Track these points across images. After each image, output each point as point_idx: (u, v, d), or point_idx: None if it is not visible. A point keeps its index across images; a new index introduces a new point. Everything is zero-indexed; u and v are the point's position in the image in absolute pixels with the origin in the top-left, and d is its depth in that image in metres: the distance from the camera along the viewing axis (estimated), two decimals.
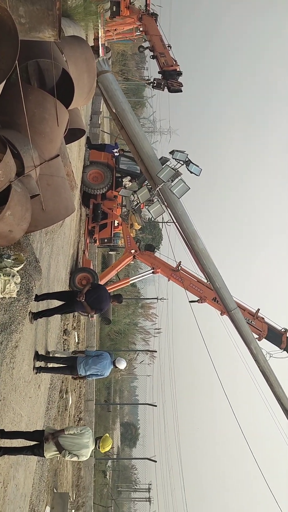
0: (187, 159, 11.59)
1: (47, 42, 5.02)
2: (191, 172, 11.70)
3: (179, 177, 11.21)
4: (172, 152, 11.78)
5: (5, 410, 5.78)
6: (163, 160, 11.97)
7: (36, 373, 7.43)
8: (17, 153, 4.72)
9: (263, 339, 13.27)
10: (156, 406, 25.53)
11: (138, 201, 14.59)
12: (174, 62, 15.45)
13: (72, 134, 7.09)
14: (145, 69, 43.59)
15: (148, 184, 12.61)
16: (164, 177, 11.10)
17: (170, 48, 16.10)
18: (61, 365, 8.01)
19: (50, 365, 8.12)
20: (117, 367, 7.96)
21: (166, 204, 11.63)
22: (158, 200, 11.96)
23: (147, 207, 13.09)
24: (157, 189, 11.43)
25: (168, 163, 11.60)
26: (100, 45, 13.62)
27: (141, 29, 17.47)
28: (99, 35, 13.69)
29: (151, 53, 16.37)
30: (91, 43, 13.77)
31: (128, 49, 31.35)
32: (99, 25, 13.51)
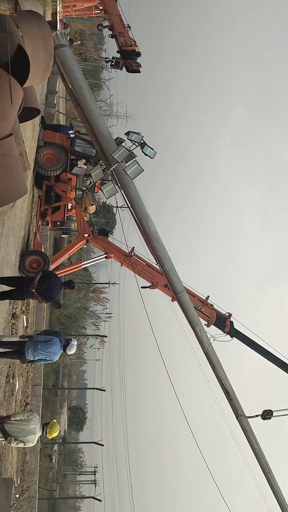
0: (142, 141, 11.64)
1: (2, 16, 4.78)
2: (146, 155, 11.78)
3: (134, 159, 11.23)
4: (127, 133, 11.77)
5: None
6: (118, 141, 11.92)
7: None
8: None
9: (212, 325, 13.75)
10: (104, 390, 25.68)
11: (92, 181, 14.48)
12: (133, 43, 15.30)
13: (27, 113, 6.84)
14: (104, 50, 42.69)
15: (103, 164, 12.51)
16: (119, 157, 11.10)
17: (130, 28, 15.90)
18: (9, 350, 7.86)
19: None
20: (66, 353, 7.91)
21: (119, 185, 11.62)
22: (111, 181, 11.92)
23: (101, 188, 13.02)
24: (111, 169, 11.38)
25: (123, 144, 11.56)
26: (58, 20, 13.18)
27: (100, 7, 17.07)
28: (58, 10, 13.23)
29: (110, 32, 16.08)
30: (48, 19, 13.28)
31: (87, 29, 30.54)
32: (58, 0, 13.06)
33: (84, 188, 17.40)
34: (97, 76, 44.12)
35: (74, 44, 14.83)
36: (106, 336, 31.19)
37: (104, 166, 12.53)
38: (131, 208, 11.78)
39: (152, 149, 11.93)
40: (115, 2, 16.63)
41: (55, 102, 22.20)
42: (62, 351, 7.77)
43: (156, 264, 12.72)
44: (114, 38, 15.82)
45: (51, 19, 13.27)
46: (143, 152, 11.80)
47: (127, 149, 11.32)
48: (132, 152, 11.42)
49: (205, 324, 13.26)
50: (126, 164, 11.19)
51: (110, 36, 16.21)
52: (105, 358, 36.98)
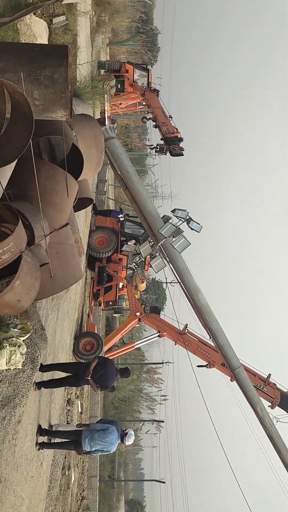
0: (187, 217, 12.01)
1: (59, 120, 5.27)
2: (192, 229, 12.08)
3: (181, 234, 11.52)
4: (173, 211, 12.23)
5: (5, 493, 5.39)
6: (165, 218, 12.35)
7: (39, 449, 7.04)
8: (28, 224, 4.79)
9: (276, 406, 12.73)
10: (164, 483, 23.67)
11: (141, 256, 14.86)
12: (176, 130, 16.25)
13: (81, 203, 7.25)
14: (147, 140, 45.96)
15: (151, 240, 12.87)
16: (166, 232, 11.48)
17: (171, 118, 17.00)
18: (65, 440, 7.59)
19: (54, 440, 7.70)
20: (124, 443, 7.51)
21: (168, 259, 11.80)
22: (159, 255, 12.15)
23: (150, 263, 13.27)
24: (159, 244, 11.67)
25: (170, 221, 11.95)
26: (106, 117, 14.46)
27: (144, 103, 18.58)
28: (106, 108, 14.57)
29: (154, 123, 17.28)
30: (97, 116, 14.59)
31: (131, 122, 33.17)
32: (105, 100, 14.41)
33: (134, 264, 17.79)
34: (143, 163, 47.09)
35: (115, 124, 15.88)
36: (163, 421, 29.58)
37: (152, 242, 12.90)
38: (180, 282, 11.80)
39: (198, 223, 12.24)
40: (156, 96, 18.08)
41: (105, 190, 23.64)
42: (120, 441, 7.41)
43: (209, 339, 12.31)
44: (157, 128, 16.94)
45: (100, 117, 14.57)
46: (189, 227, 12.14)
47: (174, 225, 11.70)
48: (179, 227, 11.78)
49: (269, 406, 12.33)
50: (173, 239, 11.51)
51: (154, 126, 17.40)
52: (162, 444, 34.81)
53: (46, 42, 8.99)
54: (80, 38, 12.81)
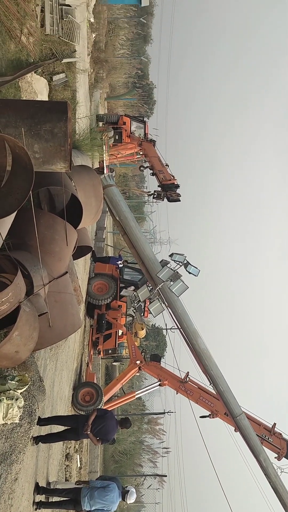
0: (185, 261, 12.09)
1: (59, 172, 5.41)
2: (190, 273, 12.12)
3: (179, 278, 11.56)
4: (171, 255, 12.34)
5: None
6: (163, 263, 12.42)
7: (36, 509, 6.68)
8: (28, 274, 4.79)
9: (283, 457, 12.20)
10: None
11: (139, 300, 14.83)
12: (172, 177, 16.69)
13: (80, 251, 7.30)
14: (145, 187, 47.11)
15: (149, 285, 12.87)
16: (164, 276, 11.52)
17: (168, 166, 17.49)
18: (64, 499, 7.21)
19: (52, 498, 7.31)
20: (125, 501, 7.12)
21: (166, 303, 11.73)
22: (158, 299, 12.10)
23: (148, 307, 13.21)
24: (157, 288, 11.65)
25: (168, 265, 12.02)
26: (105, 166, 14.88)
27: (141, 153, 19.19)
28: (104, 158, 15.01)
29: (151, 171, 17.76)
30: (96, 166, 15.00)
31: (129, 172, 34.07)
32: (104, 151, 14.87)
33: (132, 309, 17.67)
34: (141, 210, 48.00)
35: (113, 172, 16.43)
36: (166, 476, 28.17)
37: (150, 287, 12.90)
38: (179, 326, 11.68)
39: (196, 267, 12.33)
40: (153, 146, 18.69)
41: (104, 237, 23.87)
42: (121, 499, 7.03)
43: (210, 385, 12.00)
44: (154, 176, 17.40)
45: (99, 166, 14.99)
46: (187, 271, 12.20)
47: (172, 269, 11.76)
48: (177, 271, 11.83)
49: (275, 457, 11.82)
50: (171, 283, 11.53)
51: (151, 174, 17.87)
52: (166, 500, 32.95)
53: (47, 99, 9.39)
54: (79, 94, 13.41)
